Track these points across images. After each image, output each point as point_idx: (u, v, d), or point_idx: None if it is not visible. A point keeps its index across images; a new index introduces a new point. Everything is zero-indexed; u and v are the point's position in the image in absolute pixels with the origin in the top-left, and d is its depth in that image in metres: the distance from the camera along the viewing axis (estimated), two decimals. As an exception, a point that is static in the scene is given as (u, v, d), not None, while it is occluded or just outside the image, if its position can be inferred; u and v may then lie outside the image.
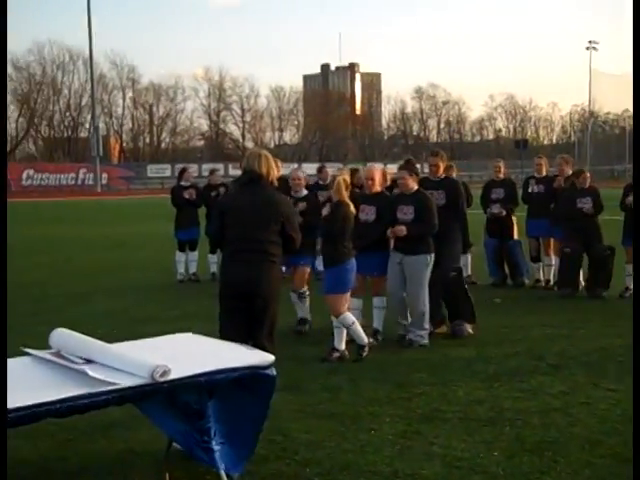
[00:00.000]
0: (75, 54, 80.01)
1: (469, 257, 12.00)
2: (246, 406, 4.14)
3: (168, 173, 56.86)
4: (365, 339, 7.33)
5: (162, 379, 3.64)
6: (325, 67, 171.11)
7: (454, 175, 9.19)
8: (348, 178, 7.40)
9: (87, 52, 53.48)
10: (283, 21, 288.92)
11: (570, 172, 11.13)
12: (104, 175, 54.59)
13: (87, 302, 10.46)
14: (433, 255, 7.85)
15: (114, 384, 3.53)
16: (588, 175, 10.91)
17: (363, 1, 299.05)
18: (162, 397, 3.77)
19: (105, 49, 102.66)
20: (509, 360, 7.28)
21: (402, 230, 7.62)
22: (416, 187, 7.96)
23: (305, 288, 8.52)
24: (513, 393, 6.23)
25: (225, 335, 5.43)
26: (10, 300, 10.42)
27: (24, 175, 53.42)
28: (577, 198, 10.63)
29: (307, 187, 11.63)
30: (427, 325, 7.88)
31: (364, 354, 7.28)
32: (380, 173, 8.17)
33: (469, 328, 8.28)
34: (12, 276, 12.83)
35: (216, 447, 4.04)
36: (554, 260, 11.33)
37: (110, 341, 6.19)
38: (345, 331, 7.33)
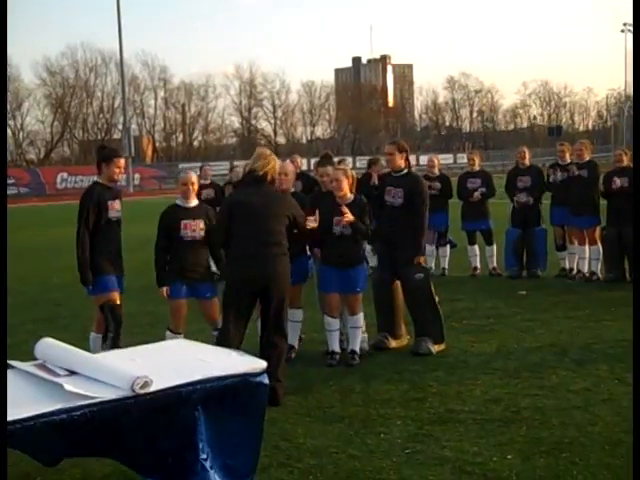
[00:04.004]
0: (107, 56, 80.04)
1: (494, 248, 11.75)
2: (238, 422, 3.90)
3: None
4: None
5: (143, 391, 3.47)
6: (356, 60, 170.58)
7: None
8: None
9: (119, 54, 53.41)
10: (313, 15, 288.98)
11: (588, 157, 10.84)
12: (136, 175, 54.74)
13: (106, 305, 10.35)
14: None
15: (92, 398, 3.37)
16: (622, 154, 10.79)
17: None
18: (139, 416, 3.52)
19: (136, 50, 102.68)
20: (531, 355, 7.04)
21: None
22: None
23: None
24: (532, 390, 5.99)
25: (226, 330, 5.84)
26: (30, 305, 10.49)
27: (58, 178, 53.72)
28: (614, 177, 10.51)
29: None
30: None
31: (357, 361, 6.96)
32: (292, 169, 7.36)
33: (433, 347, 7.21)
34: (34, 280, 12.91)
35: (209, 466, 3.80)
36: (577, 248, 11.03)
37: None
38: (361, 331, 7.14)
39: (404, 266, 7.30)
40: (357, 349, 7.06)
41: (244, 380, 3.88)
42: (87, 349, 4.19)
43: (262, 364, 4.02)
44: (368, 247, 8.08)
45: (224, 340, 5.80)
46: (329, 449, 4.92)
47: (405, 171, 7.46)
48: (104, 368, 3.66)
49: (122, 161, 6.65)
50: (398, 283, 7.47)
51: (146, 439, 3.61)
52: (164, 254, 6.66)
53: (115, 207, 6.62)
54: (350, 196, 6.94)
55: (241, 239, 5.97)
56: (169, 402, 3.59)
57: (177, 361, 3.99)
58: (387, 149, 7.61)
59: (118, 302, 6.62)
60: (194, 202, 6.74)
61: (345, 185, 6.89)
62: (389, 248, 7.45)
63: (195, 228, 6.59)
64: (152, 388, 3.51)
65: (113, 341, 6.40)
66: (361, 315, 7.09)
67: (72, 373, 3.73)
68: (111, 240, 6.63)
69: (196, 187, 6.75)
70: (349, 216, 6.72)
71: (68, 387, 3.41)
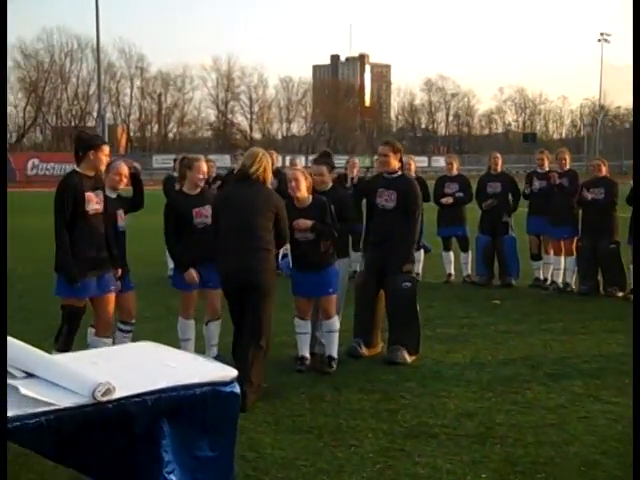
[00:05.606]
0: (84, 42, 79.00)
1: (470, 255, 11.61)
2: (208, 434, 3.69)
3: (174, 164, 55.52)
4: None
5: (105, 398, 3.27)
6: (335, 58, 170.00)
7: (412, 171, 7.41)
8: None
9: (95, 40, 52.64)
10: (294, 11, 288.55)
11: (568, 166, 10.76)
12: (109, 165, 54.22)
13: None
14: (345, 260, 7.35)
15: (50, 404, 3.16)
16: (601, 164, 10.66)
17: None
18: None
19: (114, 37, 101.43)
20: (504, 368, 6.89)
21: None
22: (331, 184, 7.13)
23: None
24: (506, 406, 5.84)
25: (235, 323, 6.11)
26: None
27: (29, 165, 52.80)
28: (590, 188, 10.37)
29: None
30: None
31: (333, 368, 6.77)
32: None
33: (407, 357, 7.01)
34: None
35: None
36: (553, 258, 10.92)
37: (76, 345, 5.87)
38: (337, 335, 6.92)
39: (392, 273, 7.09)
40: (334, 355, 6.83)
41: (214, 389, 3.68)
42: (46, 348, 3.98)
43: (232, 372, 3.82)
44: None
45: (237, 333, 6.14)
46: (297, 462, 4.74)
47: (399, 173, 7.24)
48: (64, 372, 3.44)
49: (108, 148, 6.09)
50: (382, 291, 7.27)
51: (107, 451, 3.39)
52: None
53: (94, 199, 5.91)
54: (308, 197, 6.72)
55: (223, 233, 6.03)
56: (133, 411, 3.38)
57: (142, 366, 3.77)
58: (381, 150, 7.31)
59: (82, 307, 6.04)
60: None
61: (303, 186, 6.64)
62: (378, 253, 7.22)
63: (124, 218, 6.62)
64: (115, 395, 3.31)
65: (65, 343, 5.89)
66: (336, 318, 6.88)
67: (30, 375, 3.51)
68: (90, 236, 5.91)
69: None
70: (303, 223, 6.55)
71: (24, 391, 3.20)
